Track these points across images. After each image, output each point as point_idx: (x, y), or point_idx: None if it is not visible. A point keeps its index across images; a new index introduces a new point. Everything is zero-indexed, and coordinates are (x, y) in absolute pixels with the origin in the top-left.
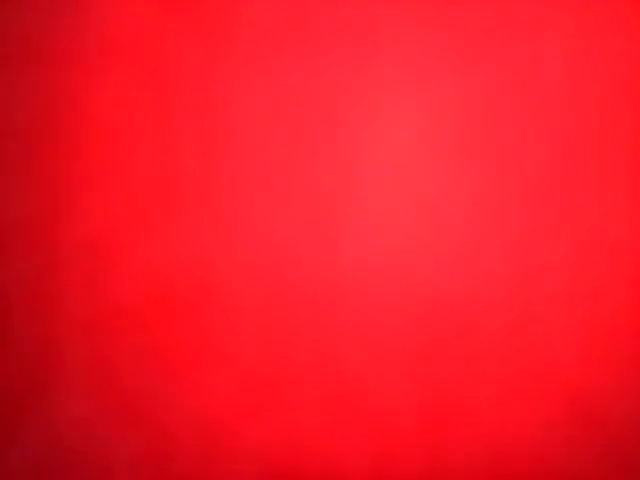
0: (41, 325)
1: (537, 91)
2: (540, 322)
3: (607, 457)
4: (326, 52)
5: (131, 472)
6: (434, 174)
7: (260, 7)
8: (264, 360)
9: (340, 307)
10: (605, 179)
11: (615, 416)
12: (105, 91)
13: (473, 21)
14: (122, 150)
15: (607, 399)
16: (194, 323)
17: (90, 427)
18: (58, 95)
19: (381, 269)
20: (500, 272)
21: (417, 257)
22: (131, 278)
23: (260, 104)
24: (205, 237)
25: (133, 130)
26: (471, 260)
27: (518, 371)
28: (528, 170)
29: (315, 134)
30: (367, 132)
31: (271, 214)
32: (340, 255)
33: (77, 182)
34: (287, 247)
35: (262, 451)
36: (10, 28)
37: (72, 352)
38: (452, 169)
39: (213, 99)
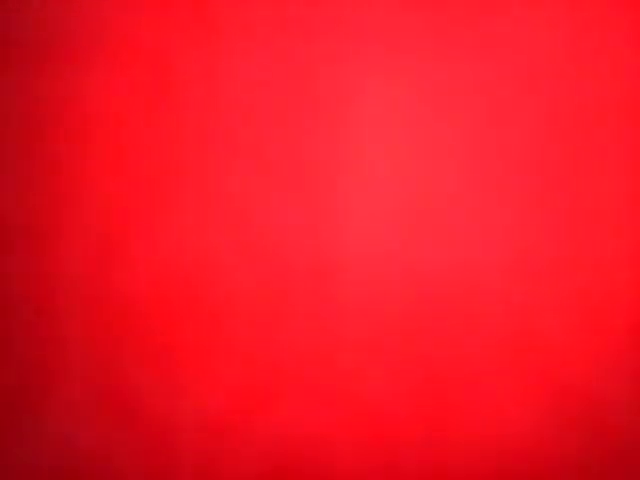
0: (42, 322)
1: (530, 76)
2: (535, 314)
3: (599, 449)
4: (320, 39)
5: (134, 470)
6: (428, 158)
7: None
8: (268, 353)
9: (342, 296)
10: (602, 163)
11: (608, 409)
12: (107, 86)
13: (462, 3)
14: (123, 144)
15: (600, 392)
16: (197, 317)
17: (92, 425)
18: (59, 91)
19: (380, 257)
20: (496, 261)
21: (416, 247)
22: (132, 273)
23: (258, 96)
24: (206, 229)
25: (131, 125)
26: (468, 251)
27: (512, 363)
28: (523, 153)
29: (312, 120)
30: (365, 115)
31: (271, 204)
32: (340, 244)
33: (78, 177)
34: (287, 236)
35: (266, 444)
36: (10, 27)
37: (74, 351)
38: (447, 152)
39: (210, 93)
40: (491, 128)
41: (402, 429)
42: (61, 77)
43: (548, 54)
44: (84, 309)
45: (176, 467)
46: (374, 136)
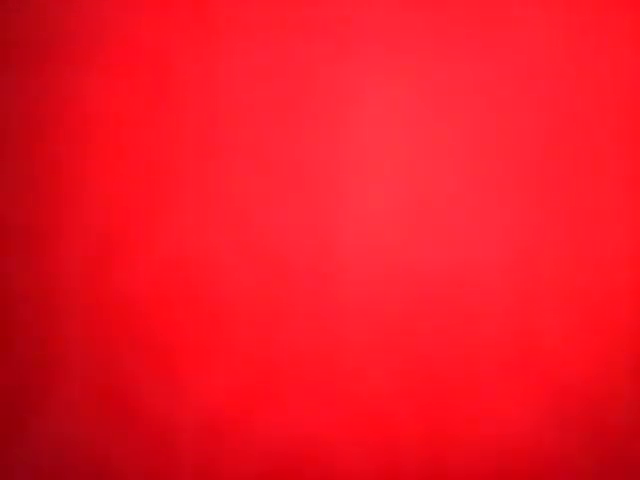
0: (42, 322)
1: (530, 76)
2: (535, 314)
3: (599, 449)
4: (320, 39)
5: (134, 470)
6: (428, 158)
7: None
8: (268, 353)
9: (342, 296)
10: (602, 163)
11: (608, 409)
12: (107, 86)
13: (462, 3)
14: (123, 144)
15: (600, 392)
16: (197, 317)
17: (92, 425)
18: (59, 91)
19: (380, 257)
20: (496, 261)
21: (416, 247)
22: (132, 273)
23: (258, 96)
24: (206, 229)
25: (131, 125)
26: (468, 251)
27: (512, 363)
28: (523, 153)
29: (312, 120)
30: (365, 115)
31: (271, 204)
32: (340, 244)
33: (78, 177)
34: (287, 237)
35: (266, 444)
36: (10, 27)
37: (74, 351)
38: (447, 152)
39: (210, 93)
40: (491, 128)
41: (402, 429)
42: (61, 77)
43: (548, 54)
44: (84, 309)
45: (176, 467)
46: (374, 136)
